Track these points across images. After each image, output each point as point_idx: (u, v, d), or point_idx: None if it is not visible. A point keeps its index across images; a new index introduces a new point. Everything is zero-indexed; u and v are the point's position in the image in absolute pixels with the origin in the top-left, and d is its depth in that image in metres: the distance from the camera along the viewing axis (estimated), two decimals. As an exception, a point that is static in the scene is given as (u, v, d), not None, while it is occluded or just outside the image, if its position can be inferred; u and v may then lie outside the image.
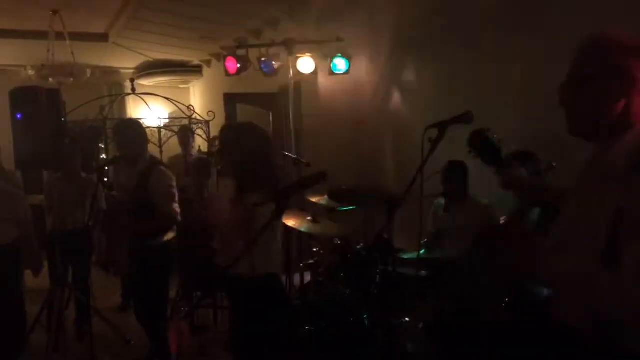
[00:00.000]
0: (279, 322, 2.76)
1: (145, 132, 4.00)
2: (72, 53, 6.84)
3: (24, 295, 4.46)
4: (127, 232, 3.91)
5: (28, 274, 4.46)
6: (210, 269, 3.49)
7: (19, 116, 4.00)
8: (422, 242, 3.87)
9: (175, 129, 7.63)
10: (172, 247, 3.84)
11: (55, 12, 6.54)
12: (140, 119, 7.95)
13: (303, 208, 4.70)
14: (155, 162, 3.87)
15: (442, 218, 3.98)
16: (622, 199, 1.43)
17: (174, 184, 3.78)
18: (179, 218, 3.74)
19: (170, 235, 3.81)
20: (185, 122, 7.73)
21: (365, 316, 3.41)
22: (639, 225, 1.39)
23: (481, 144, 1.97)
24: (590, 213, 1.50)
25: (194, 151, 6.96)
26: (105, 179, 6.41)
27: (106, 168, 6.21)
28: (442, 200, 3.95)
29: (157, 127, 7.82)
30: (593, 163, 1.63)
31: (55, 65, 6.96)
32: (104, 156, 7.45)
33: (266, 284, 2.66)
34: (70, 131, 5.85)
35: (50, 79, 6.99)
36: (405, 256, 3.74)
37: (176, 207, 3.73)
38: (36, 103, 3.92)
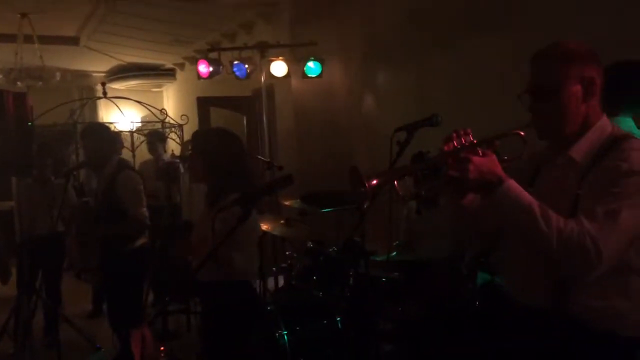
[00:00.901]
0: (250, 329, 2.75)
1: (112, 136, 3.97)
2: (41, 56, 6.73)
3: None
4: (97, 237, 3.86)
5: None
6: (182, 274, 3.46)
7: (-17, 121, 3.93)
8: (394, 244, 3.89)
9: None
10: (143, 253, 3.80)
11: (24, 15, 6.42)
12: (112, 123, 7.87)
13: (277, 211, 4.70)
14: (122, 166, 3.83)
15: (415, 220, 4.00)
16: (579, 187, 1.60)
17: (142, 187, 3.75)
18: (147, 222, 3.71)
19: (141, 241, 3.77)
20: (158, 125, 7.66)
21: (338, 319, 3.41)
22: (588, 202, 1.55)
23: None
24: (552, 202, 1.59)
25: (166, 156, 6.89)
26: (76, 184, 6.31)
27: (75, 173, 6.10)
28: (413, 203, 3.97)
29: (129, 131, 7.74)
30: (554, 157, 1.74)
31: (24, 68, 6.84)
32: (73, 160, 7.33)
33: (237, 290, 2.64)
34: (39, 135, 5.75)
35: (19, 83, 6.87)
36: (378, 258, 3.75)
37: (144, 211, 3.69)
38: (2, 107, 3.85)
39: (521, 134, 1.67)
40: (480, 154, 1.61)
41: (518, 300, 1.76)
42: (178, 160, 6.18)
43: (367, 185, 1.57)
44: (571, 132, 1.67)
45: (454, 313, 3.31)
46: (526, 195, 1.57)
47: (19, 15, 6.41)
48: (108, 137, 3.89)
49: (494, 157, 1.61)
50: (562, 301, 1.62)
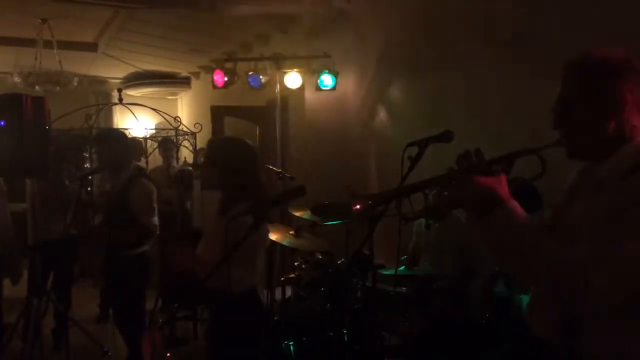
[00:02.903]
0: (256, 339, 2.76)
1: (127, 143, 3.99)
2: (60, 61, 6.83)
3: (1, 303, 4.41)
4: (104, 241, 3.90)
5: (6, 282, 4.42)
6: (190, 281, 3.49)
7: (2, 123, 3.98)
8: (402, 258, 3.90)
9: (162, 139, 7.62)
10: (147, 258, 3.83)
11: (44, 20, 6.52)
12: (126, 129, 7.95)
13: (287, 222, 4.72)
14: (138, 174, 3.86)
15: (423, 234, 4.00)
16: (607, 205, 1.45)
17: (155, 197, 3.77)
18: (157, 232, 3.73)
19: (144, 247, 3.79)
20: (172, 133, 7.73)
21: (345, 331, 3.42)
22: (593, 225, 1.42)
23: None
24: (581, 226, 1.49)
25: (178, 162, 6.95)
26: (89, 189, 6.37)
27: (89, 177, 6.15)
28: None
29: (143, 138, 7.80)
30: (586, 174, 1.63)
31: (42, 73, 6.93)
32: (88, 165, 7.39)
33: (243, 300, 2.65)
34: (55, 139, 5.83)
35: (37, 87, 6.96)
36: (386, 272, 3.76)
37: (154, 220, 3.71)
38: (20, 110, 3.89)
39: (537, 153, 1.56)
40: (492, 171, 1.53)
41: (531, 330, 1.65)
42: (190, 168, 6.23)
43: (352, 208, 1.52)
44: (600, 149, 1.55)
45: (461, 329, 3.31)
46: (521, 219, 1.47)
47: (39, 21, 6.52)
48: (123, 143, 3.91)
49: (503, 177, 1.52)
50: (571, 337, 1.48)
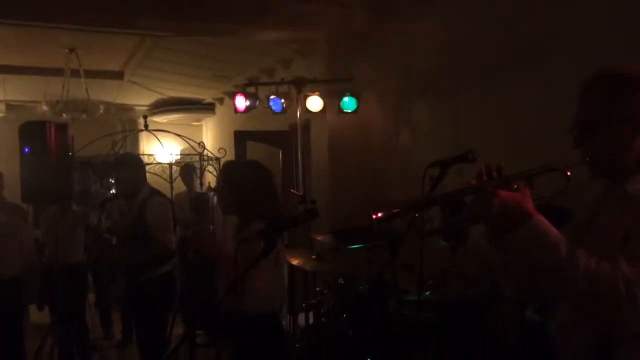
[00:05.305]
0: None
1: (144, 166, 4.05)
2: (87, 90, 6.96)
3: (24, 329, 4.42)
4: (123, 265, 3.90)
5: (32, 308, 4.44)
6: (209, 304, 3.45)
7: (26, 150, 4.03)
8: (427, 282, 3.78)
9: (188, 165, 7.66)
10: (169, 280, 3.81)
11: (71, 50, 6.68)
12: (151, 155, 8.05)
13: (309, 246, 4.65)
14: (153, 193, 3.88)
15: (450, 258, 3.89)
16: (630, 222, 1.44)
17: (171, 214, 3.79)
18: (173, 248, 3.73)
19: (166, 268, 3.78)
20: (196, 158, 7.77)
21: (368, 359, 3.32)
22: (632, 241, 1.39)
23: None
24: (607, 242, 1.46)
25: (202, 188, 6.96)
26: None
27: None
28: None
29: (168, 163, 7.86)
30: (610, 190, 1.60)
31: (70, 101, 7.08)
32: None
33: (262, 324, 2.59)
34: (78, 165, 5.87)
35: (64, 115, 7.10)
36: (411, 297, 3.65)
37: (171, 237, 3.73)
38: (44, 137, 3.94)
39: (563, 170, 1.53)
40: (515, 188, 1.50)
41: (560, 352, 1.61)
42: (212, 193, 6.22)
43: (373, 217, 1.48)
44: (627, 167, 1.53)
45: (490, 357, 3.18)
46: (553, 234, 1.44)
47: (67, 50, 6.68)
48: (141, 166, 3.98)
49: (527, 192, 1.50)
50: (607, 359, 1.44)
